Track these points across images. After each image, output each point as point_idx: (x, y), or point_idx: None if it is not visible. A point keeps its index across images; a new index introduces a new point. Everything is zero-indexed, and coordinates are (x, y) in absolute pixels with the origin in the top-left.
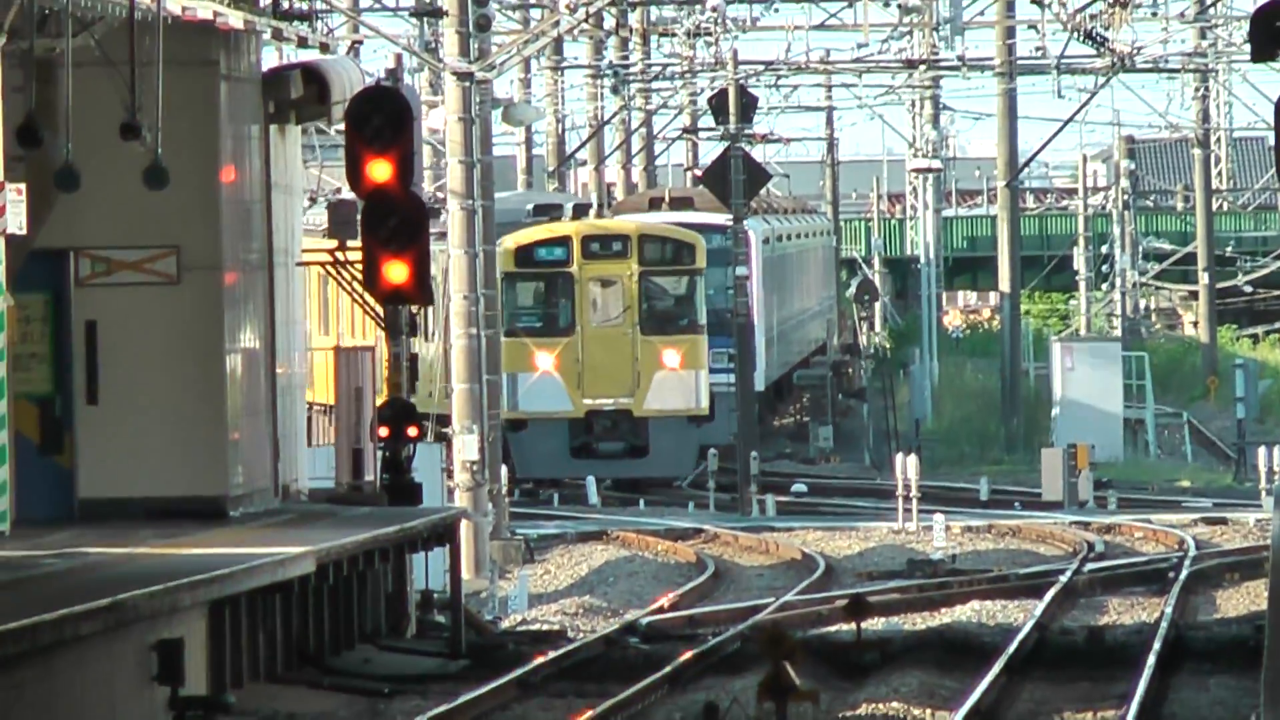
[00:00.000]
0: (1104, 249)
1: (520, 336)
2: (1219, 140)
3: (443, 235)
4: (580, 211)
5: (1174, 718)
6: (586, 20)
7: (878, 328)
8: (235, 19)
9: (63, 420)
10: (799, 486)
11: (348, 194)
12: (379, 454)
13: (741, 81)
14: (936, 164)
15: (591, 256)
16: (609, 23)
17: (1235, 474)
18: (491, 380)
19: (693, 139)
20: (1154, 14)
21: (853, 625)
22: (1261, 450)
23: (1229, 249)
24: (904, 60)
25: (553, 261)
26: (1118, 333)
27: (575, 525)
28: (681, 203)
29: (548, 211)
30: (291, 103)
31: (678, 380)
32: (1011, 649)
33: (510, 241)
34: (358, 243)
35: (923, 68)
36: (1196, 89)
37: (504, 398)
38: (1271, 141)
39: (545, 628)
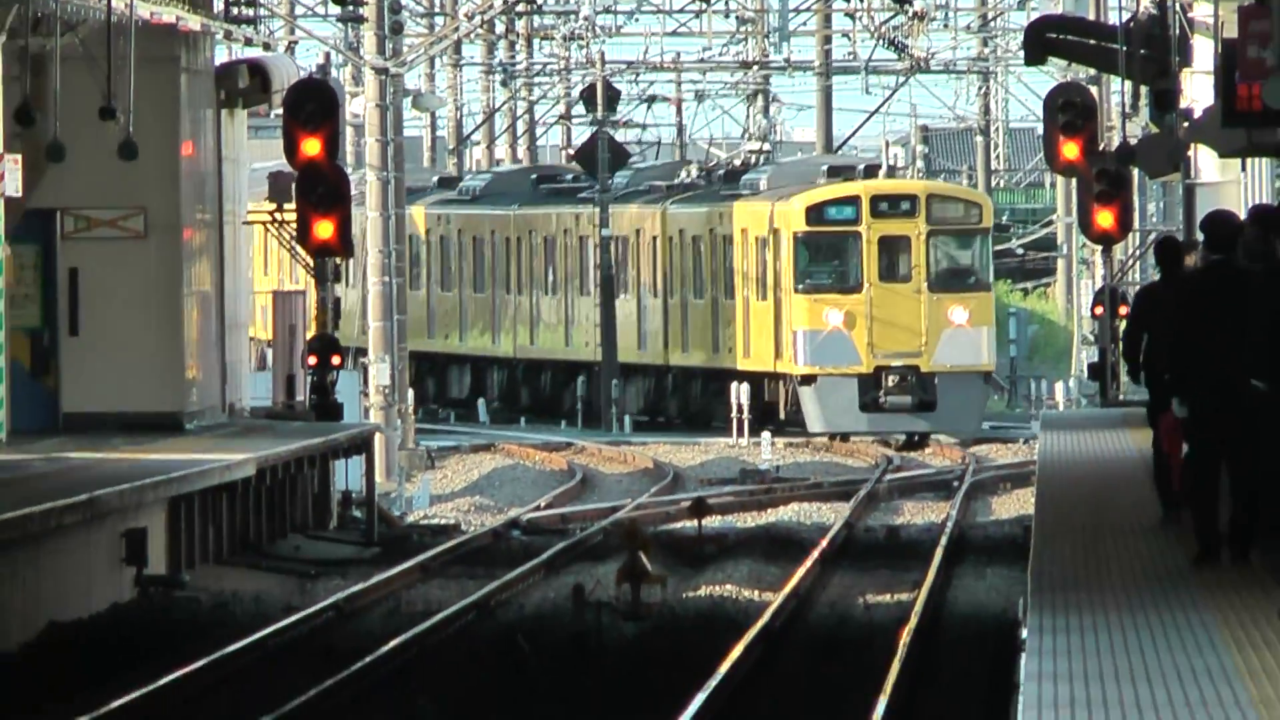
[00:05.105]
0: None
1: (810, 293)
2: (998, 130)
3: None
4: (870, 171)
5: (956, 601)
6: (481, 26)
7: None
8: (194, 23)
9: (49, 349)
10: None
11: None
12: (308, 379)
13: (608, 78)
14: (766, 146)
15: (880, 215)
16: (500, 28)
17: (1008, 402)
18: (400, 319)
19: (567, 124)
20: (945, 25)
21: (695, 523)
22: (1032, 382)
23: (1005, 219)
24: (740, 61)
25: (842, 220)
26: None
27: (469, 439)
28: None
29: (841, 172)
30: (239, 91)
31: (966, 337)
32: (825, 543)
33: (800, 201)
34: (293, 205)
35: (755, 68)
36: (979, 88)
37: (794, 353)
38: (1040, 131)
39: (443, 522)
